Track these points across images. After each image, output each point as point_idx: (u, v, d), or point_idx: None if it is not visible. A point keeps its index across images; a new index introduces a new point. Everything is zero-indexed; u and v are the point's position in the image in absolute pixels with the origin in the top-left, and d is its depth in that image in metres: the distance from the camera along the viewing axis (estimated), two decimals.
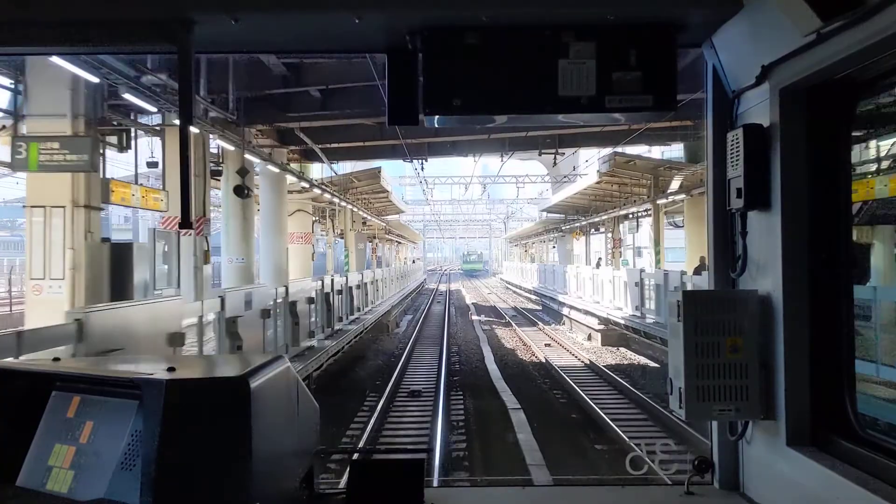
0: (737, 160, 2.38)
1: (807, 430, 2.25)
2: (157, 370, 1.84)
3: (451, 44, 2.29)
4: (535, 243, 63.53)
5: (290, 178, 20.73)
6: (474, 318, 32.61)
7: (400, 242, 64.44)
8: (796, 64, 2.13)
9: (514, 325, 27.87)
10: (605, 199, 29.49)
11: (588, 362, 17.43)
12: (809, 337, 2.24)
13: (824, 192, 2.23)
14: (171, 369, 1.84)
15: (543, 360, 18.07)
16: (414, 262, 72.01)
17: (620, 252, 30.76)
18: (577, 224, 36.72)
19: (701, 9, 2.28)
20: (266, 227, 20.35)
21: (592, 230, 36.44)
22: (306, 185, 22.30)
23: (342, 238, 36.19)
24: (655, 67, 2.31)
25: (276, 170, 18.69)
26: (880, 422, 2.37)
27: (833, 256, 2.25)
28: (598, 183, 24.44)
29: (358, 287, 19.65)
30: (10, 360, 2.02)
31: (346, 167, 28.65)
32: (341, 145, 20.12)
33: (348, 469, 2.35)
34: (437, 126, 2.34)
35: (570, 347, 20.50)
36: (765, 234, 2.34)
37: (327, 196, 24.71)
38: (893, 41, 1.82)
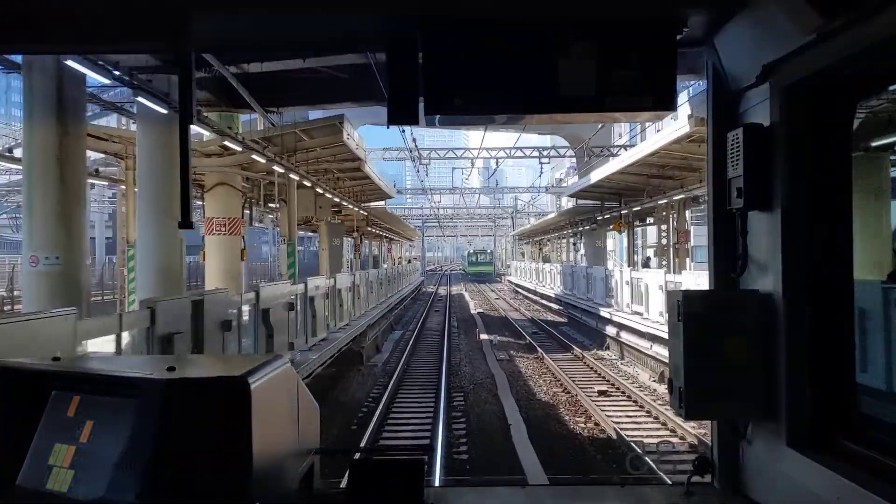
0: (737, 160, 2.48)
1: (807, 431, 2.34)
2: (157, 370, 1.96)
3: (452, 43, 2.42)
4: (553, 240, 59.99)
5: (206, 135, 14.90)
6: (483, 337, 27.30)
7: (392, 239, 54.68)
8: (797, 64, 2.25)
9: (539, 349, 22.72)
10: (671, 175, 23.87)
11: (697, 440, 11.03)
12: (810, 337, 2.35)
13: (825, 191, 2.34)
14: (171, 369, 1.94)
15: (613, 434, 11.64)
16: (410, 262, 69.34)
17: (688, 250, 20.98)
18: (625, 210, 30.78)
19: (701, 9, 2.40)
20: (147, 204, 14.01)
21: (636, 221, 26.08)
22: (234, 146, 16.14)
23: (313, 230, 26.80)
24: (656, 67, 2.43)
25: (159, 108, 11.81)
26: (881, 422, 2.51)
27: (834, 256, 2.34)
28: (676, 142, 17.58)
29: (290, 308, 12.89)
30: (10, 360, 2.24)
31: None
32: (271, 67, 13.06)
33: (348, 469, 2.49)
34: (437, 125, 2.52)
35: (641, 399, 14.43)
36: (765, 234, 2.47)
37: (269, 165, 18.47)
38: (894, 41, 1.89)
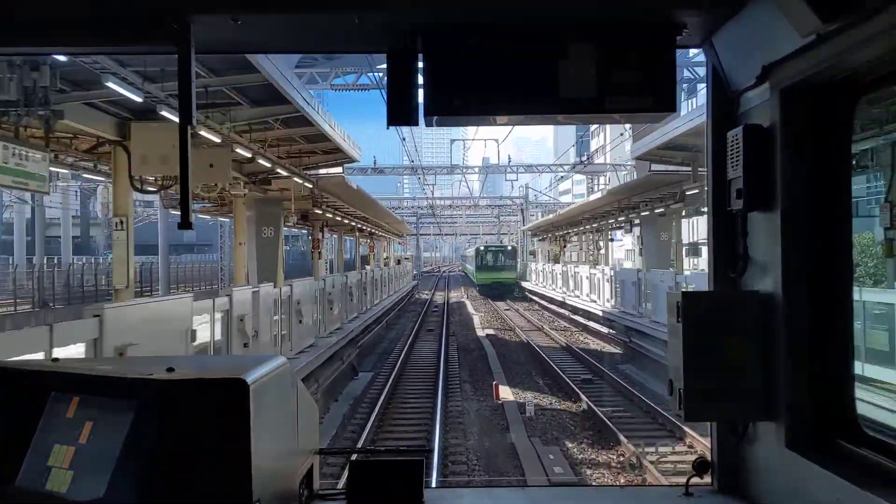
0: (737, 160, 2.58)
1: (807, 432, 2.46)
2: (156, 370, 2.11)
3: (452, 44, 2.51)
4: (584, 233, 46.85)
5: None
6: (506, 396, 16.76)
7: (373, 233, 42.61)
8: (797, 64, 2.35)
9: (617, 432, 13.16)
10: None
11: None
12: (809, 338, 2.48)
13: (824, 192, 2.46)
14: (170, 370, 2.10)
15: None
16: (399, 262, 57.51)
17: None
18: None
19: (701, 9, 2.50)
20: None
21: None
22: None
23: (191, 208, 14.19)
24: (656, 68, 2.53)
25: None
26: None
27: (833, 257, 2.45)
28: None
29: None
30: (9, 360, 2.52)
31: None
32: None
33: (348, 469, 2.65)
34: (435, 125, 2.69)
35: None
36: (765, 235, 2.58)
37: None
38: (893, 42, 2.00)
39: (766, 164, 2.47)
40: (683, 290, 3.17)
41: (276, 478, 2.14)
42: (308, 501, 2.50)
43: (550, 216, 53.41)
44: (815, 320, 2.41)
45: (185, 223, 2.54)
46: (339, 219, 33.99)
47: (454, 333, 31.54)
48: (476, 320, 37.03)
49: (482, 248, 58.11)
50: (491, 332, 32.29)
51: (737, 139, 2.57)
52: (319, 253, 32.56)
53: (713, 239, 2.84)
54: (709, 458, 2.83)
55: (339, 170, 24.26)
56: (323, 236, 33.62)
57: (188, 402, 1.90)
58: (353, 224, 39.80)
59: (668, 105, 2.55)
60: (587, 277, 32.72)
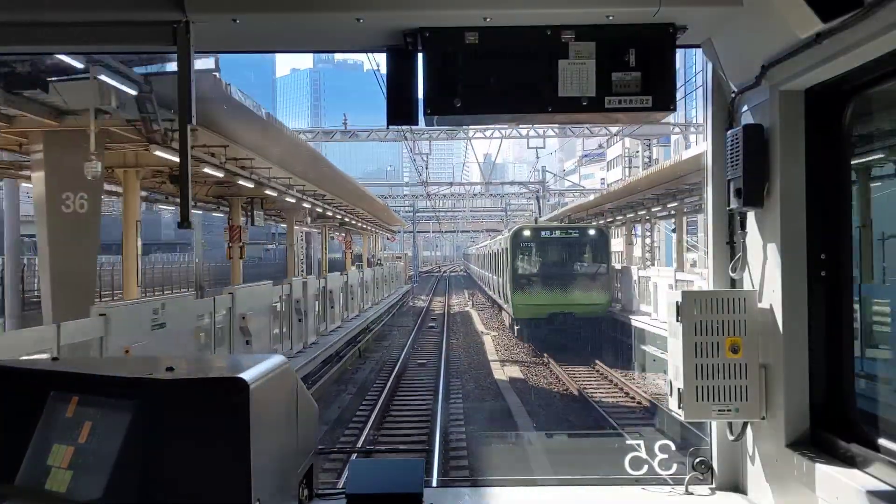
0: (736, 160, 2.67)
1: (806, 431, 2.54)
2: (155, 370, 2.22)
3: (452, 44, 2.64)
4: (641, 220, 36.49)
5: None
6: None
7: (345, 221, 31.50)
8: (796, 64, 2.46)
9: None
10: None
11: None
12: (808, 337, 2.56)
13: (824, 192, 2.54)
14: (169, 369, 2.21)
15: None
16: (380, 263, 47.99)
17: None
18: None
19: (701, 9, 2.59)
20: None
21: None
22: None
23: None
24: (655, 68, 2.63)
25: None
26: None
27: (832, 256, 2.53)
28: None
29: None
30: (8, 360, 2.56)
31: None
32: None
33: (348, 468, 2.81)
34: (436, 125, 2.86)
35: None
36: (764, 234, 2.65)
37: None
38: (892, 42, 2.12)
39: (765, 163, 2.55)
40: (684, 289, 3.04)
41: (275, 477, 2.21)
42: (308, 501, 2.58)
43: (591, 197, 39.18)
44: (814, 319, 2.51)
45: (184, 222, 2.62)
46: (262, 190, 20.05)
47: (457, 372, 23.00)
48: (488, 345, 28.95)
49: (527, 233, 30.69)
50: (515, 374, 22.46)
51: (736, 139, 2.64)
52: (241, 248, 21.63)
53: (713, 238, 2.93)
54: (708, 458, 2.96)
55: (207, 63, 11.27)
56: (252, 222, 22.60)
57: (188, 401, 1.98)
58: (306, 205, 26.15)
59: (667, 104, 2.64)
60: (670, 287, 19.83)
